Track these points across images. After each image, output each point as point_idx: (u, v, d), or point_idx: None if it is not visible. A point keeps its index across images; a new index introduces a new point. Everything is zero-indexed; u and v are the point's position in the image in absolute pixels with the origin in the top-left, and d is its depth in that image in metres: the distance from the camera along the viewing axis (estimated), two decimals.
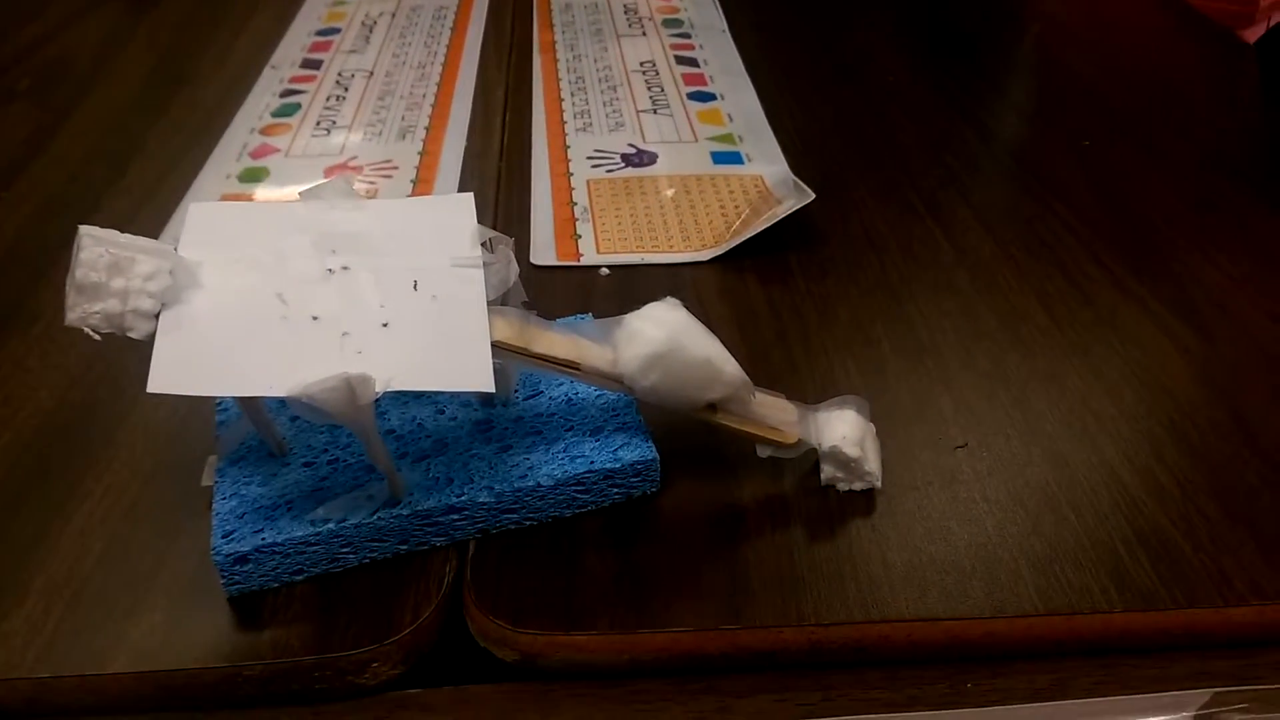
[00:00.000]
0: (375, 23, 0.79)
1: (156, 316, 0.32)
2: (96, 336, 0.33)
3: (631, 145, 0.62)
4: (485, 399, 0.39)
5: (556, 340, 0.36)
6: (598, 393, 0.40)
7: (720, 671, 0.34)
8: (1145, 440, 0.41)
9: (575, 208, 0.56)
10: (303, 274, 0.34)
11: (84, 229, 0.32)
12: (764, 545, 0.37)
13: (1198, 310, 0.48)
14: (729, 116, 0.65)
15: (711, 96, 0.67)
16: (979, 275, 0.51)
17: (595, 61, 0.72)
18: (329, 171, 0.59)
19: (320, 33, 0.77)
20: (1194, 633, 0.35)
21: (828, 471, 0.38)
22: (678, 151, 0.61)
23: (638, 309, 0.37)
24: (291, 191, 0.57)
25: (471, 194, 0.38)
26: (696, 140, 0.62)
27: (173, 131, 0.64)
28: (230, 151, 0.61)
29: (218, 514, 0.35)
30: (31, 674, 0.32)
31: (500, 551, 0.36)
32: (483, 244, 0.36)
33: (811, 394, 0.42)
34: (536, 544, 0.37)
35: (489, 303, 0.35)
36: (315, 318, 0.33)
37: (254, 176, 0.59)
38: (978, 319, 0.48)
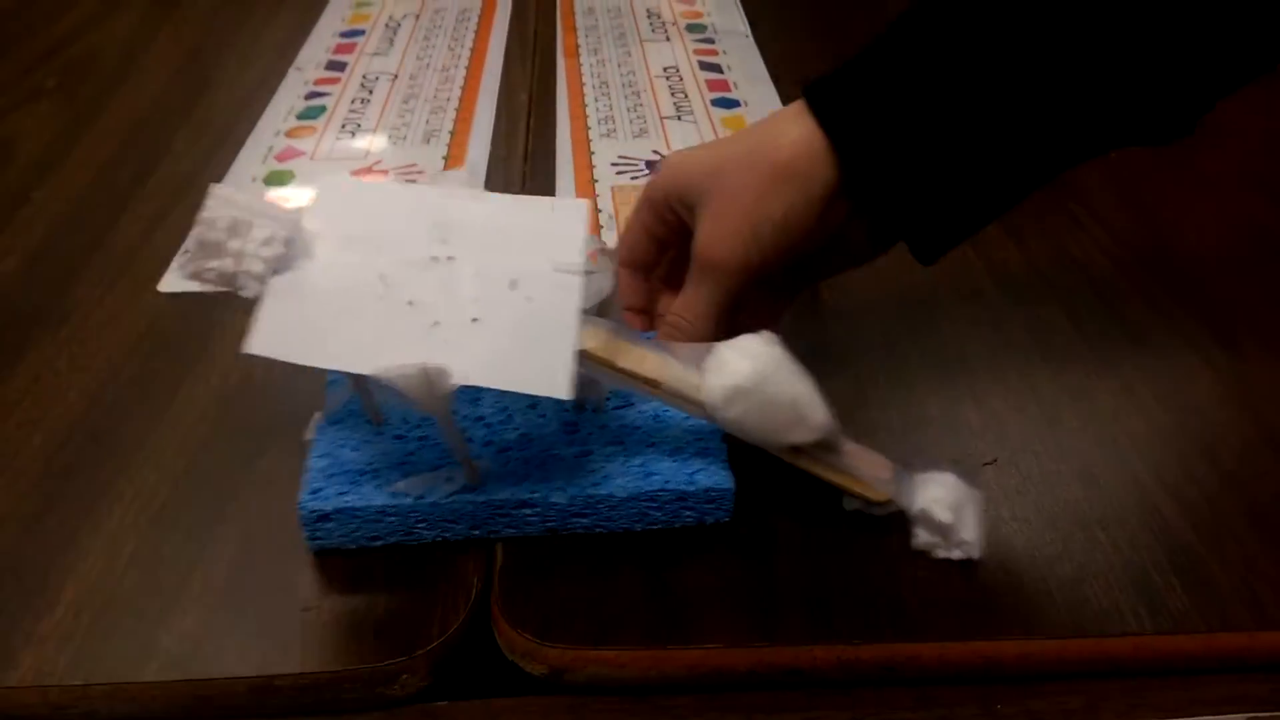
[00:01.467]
0: (399, 25, 0.79)
1: (266, 280, 0.34)
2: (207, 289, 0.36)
3: (656, 152, 0.62)
4: (578, 402, 0.40)
5: (645, 357, 0.36)
6: (684, 414, 0.39)
7: (749, 688, 0.34)
8: (1176, 459, 0.41)
9: (600, 215, 0.56)
10: (408, 258, 0.35)
11: (215, 187, 0.34)
12: (794, 563, 0.36)
13: (1229, 328, 0.48)
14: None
15: (735, 103, 0.67)
16: (1008, 288, 0.51)
17: (619, 66, 0.72)
18: (354, 175, 0.59)
19: (344, 34, 0.77)
20: (1226, 656, 0.35)
21: (921, 537, 0.36)
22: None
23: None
24: None
25: (586, 202, 0.39)
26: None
27: (199, 133, 0.65)
28: (256, 154, 0.62)
29: (309, 470, 0.37)
30: (63, 681, 0.32)
31: (529, 565, 0.36)
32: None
33: (839, 405, 0.42)
34: (565, 558, 0.37)
35: (584, 311, 0.36)
36: (410, 303, 0.34)
37: (279, 180, 0.59)
38: (1007, 332, 0.47)
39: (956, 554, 0.36)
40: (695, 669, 0.33)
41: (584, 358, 0.35)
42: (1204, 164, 0.61)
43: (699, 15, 0.81)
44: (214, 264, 0.34)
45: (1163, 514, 0.38)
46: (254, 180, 0.59)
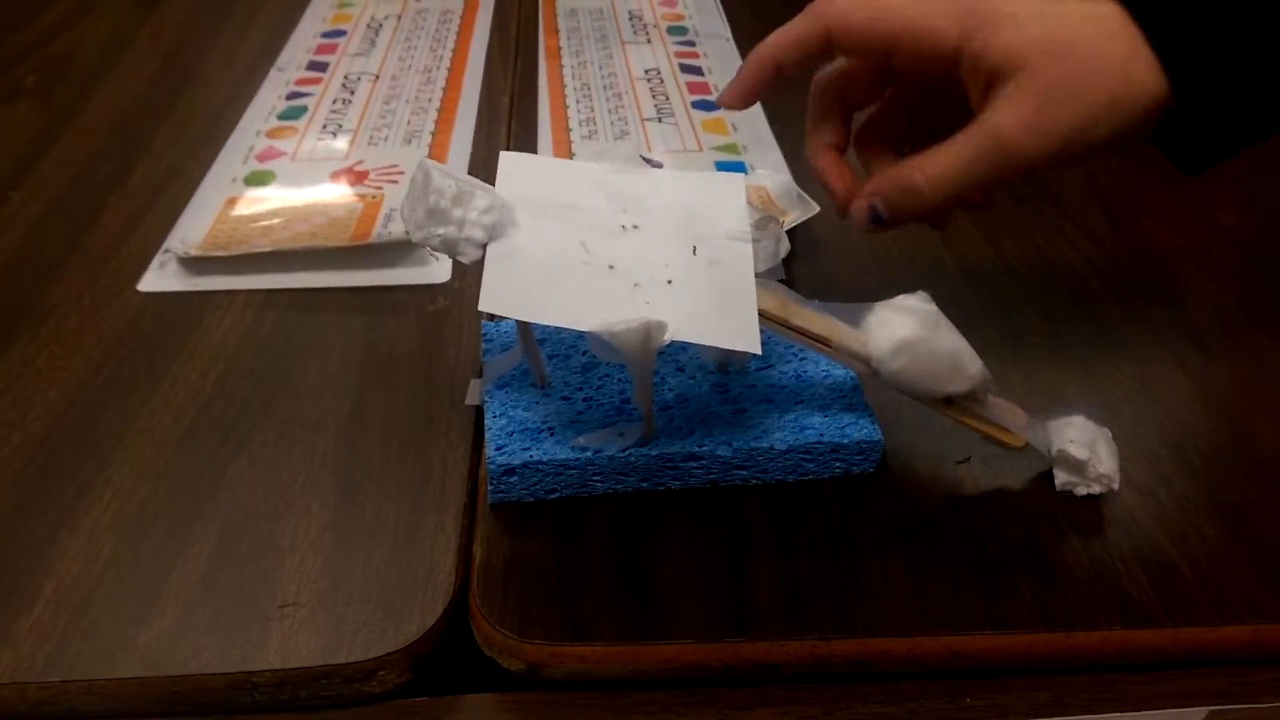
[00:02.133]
0: (381, 26, 0.79)
1: (484, 246, 0.36)
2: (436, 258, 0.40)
3: (639, 148, 0.62)
4: (722, 364, 0.42)
5: (813, 317, 0.38)
6: (825, 373, 0.42)
7: (724, 683, 0.34)
8: (1145, 458, 0.42)
9: None
10: (601, 226, 0.38)
11: (427, 161, 0.36)
12: (767, 557, 0.37)
13: (1200, 329, 0.49)
14: (733, 126, 0.65)
15: (716, 106, 0.67)
16: (983, 289, 0.51)
17: (600, 68, 0.73)
18: (335, 176, 0.59)
19: (326, 35, 0.77)
20: (1190, 651, 0.35)
21: (1061, 476, 0.39)
22: (683, 161, 0.61)
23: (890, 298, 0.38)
24: (297, 195, 0.57)
25: (743, 175, 0.41)
26: (701, 150, 0.62)
27: (179, 132, 0.65)
28: (237, 154, 0.62)
29: (490, 429, 0.39)
30: (41, 678, 0.33)
31: (506, 561, 0.37)
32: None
33: None
34: (542, 554, 0.37)
35: (756, 275, 0.38)
36: (611, 267, 0.37)
37: (260, 180, 0.59)
38: (981, 333, 0.48)
39: (1096, 489, 0.39)
40: (670, 664, 0.34)
41: (761, 317, 0.37)
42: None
43: (680, 18, 0.81)
44: (440, 230, 0.36)
45: (1131, 512, 0.39)
46: (235, 180, 0.59)
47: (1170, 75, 0.35)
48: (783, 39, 0.39)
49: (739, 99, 0.40)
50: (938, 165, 0.37)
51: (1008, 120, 0.36)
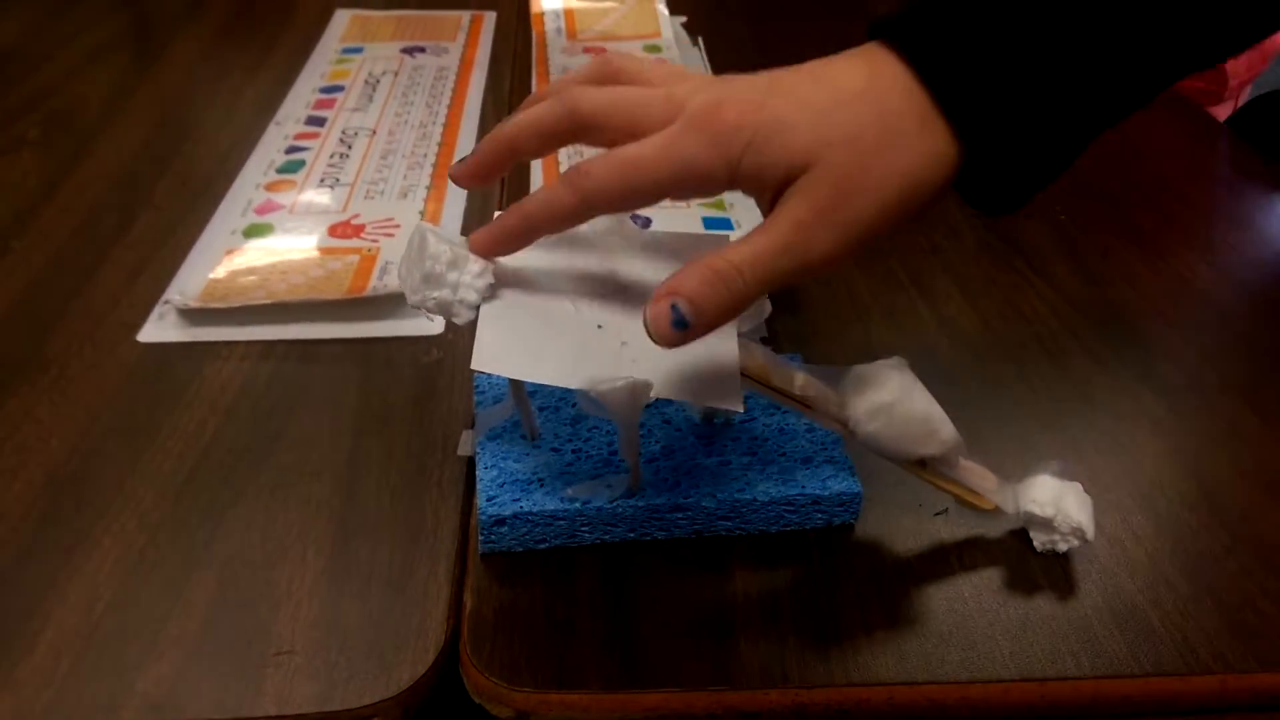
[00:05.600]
0: (379, 81, 0.81)
1: (476, 308, 0.38)
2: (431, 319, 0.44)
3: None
4: (707, 416, 0.44)
5: (793, 377, 0.39)
6: (807, 426, 0.44)
7: None
8: (1115, 510, 0.43)
9: None
10: (590, 287, 0.39)
11: (423, 225, 0.38)
12: (750, 607, 0.38)
13: (1169, 384, 0.50)
14: None
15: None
16: (958, 343, 0.53)
17: None
18: (332, 229, 0.61)
19: (324, 90, 0.79)
20: (1161, 700, 0.36)
21: (1038, 537, 0.41)
22: (670, 217, 0.63)
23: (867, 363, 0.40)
24: (294, 247, 0.59)
25: (729, 232, 0.42)
26: (688, 206, 0.64)
27: (179, 185, 0.66)
28: (236, 207, 0.63)
29: (482, 480, 0.41)
30: None
31: (496, 610, 0.38)
32: None
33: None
34: (532, 603, 0.38)
35: (738, 335, 0.39)
36: (600, 326, 0.38)
37: (258, 232, 0.60)
38: (956, 385, 0.50)
39: (1074, 542, 0.40)
40: (656, 712, 0.35)
41: (744, 376, 0.38)
42: (1144, 222, 0.64)
43: None
44: (435, 294, 0.37)
45: (1102, 562, 0.40)
46: (233, 233, 0.60)
47: (963, 137, 0.35)
48: (530, 128, 0.37)
49: (472, 178, 0.38)
50: (745, 252, 0.34)
51: (804, 214, 0.34)
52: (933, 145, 0.35)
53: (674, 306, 0.33)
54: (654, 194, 0.36)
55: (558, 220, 0.36)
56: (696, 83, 0.37)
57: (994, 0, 0.35)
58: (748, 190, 0.36)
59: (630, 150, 0.35)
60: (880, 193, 0.35)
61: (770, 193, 0.35)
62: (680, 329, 0.34)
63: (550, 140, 0.37)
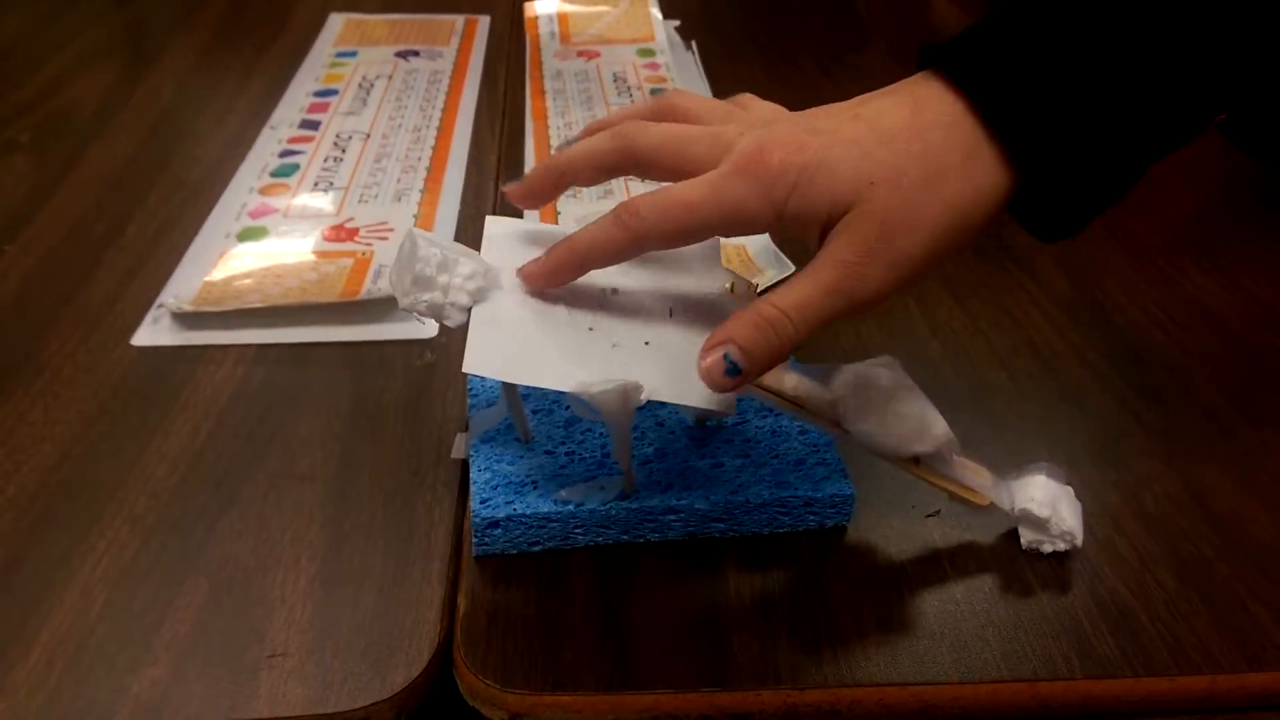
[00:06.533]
0: (372, 85, 0.81)
1: (468, 311, 0.37)
2: (423, 322, 0.43)
3: None
4: (700, 419, 0.44)
5: (785, 378, 0.40)
6: (799, 428, 0.44)
7: None
8: (1105, 511, 0.43)
9: None
10: (582, 290, 0.39)
11: (414, 230, 0.38)
12: (743, 608, 0.38)
13: (1158, 386, 0.51)
14: None
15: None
16: (950, 347, 0.53)
17: None
18: (326, 233, 0.61)
19: (318, 94, 0.79)
20: (1151, 700, 0.37)
21: (1027, 535, 0.41)
22: None
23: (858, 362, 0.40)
24: (288, 251, 0.59)
25: (720, 239, 0.42)
26: None
27: (173, 189, 0.66)
28: (230, 211, 0.63)
29: (475, 483, 0.41)
30: None
31: (490, 613, 0.38)
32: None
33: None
34: (525, 606, 0.38)
35: None
36: (591, 329, 0.38)
37: (252, 236, 0.60)
38: (947, 389, 0.50)
39: (1061, 545, 0.40)
40: (649, 713, 0.35)
41: None
42: (1137, 228, 0.65)
43: (663, 80, 0.84)
44: (426, 297, 0.37)
45: (1092, 564, 0.41)
46: (227, 236, 0.60)
47: (1018, 163, 0.35)
48: (583, 159, 0.38)
49: (524, 199, 0.39)
50: (792, 297, 0.35)
51: (849, 255, 0.35)
52: (981, 176, 0.35)
53: (726, 355, 0.35)
54: (702, 235, 0.37)
55: (608, 256, 0.38)
56: (744, 123, 0.38)
57: (1048, 25, 0.35)
58: (794, 231, 0.36)
59: (680, 192, 0.36)
60: (928, 228, 0.35)
61: (816, 233, 0.36)
62: (733, 375, 0.35)
63: (602, 171, 0.38)
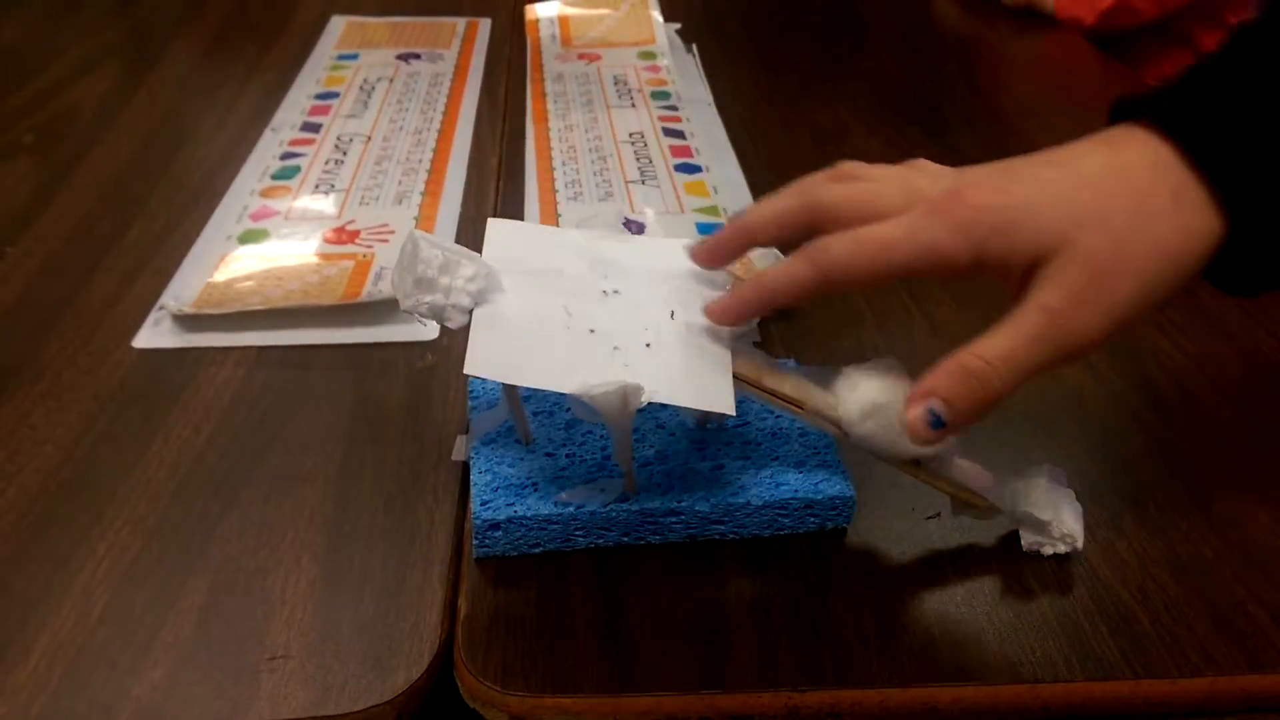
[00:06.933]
0: (373, 88, 0.81)
1: (469, 312, 0.38)
2: (424, 324, 0.43)
3: (621, 215, 0.64)
4: (701, 421, 0.44)
5: (785, 379, 0.40)
6: (799, 430, 0.44)
7: None
8: (1106, 514, 0.43)
9: None
10: (583, 292, 0.40)
11: (415, 232, 0.38)
12: (743, 610, 0.38)
13: (1159, 389, 0.51)
14: (714, 189, 0.67)
15: (697, 169, 0.70)
16: (950, 348, 0.53)
17: (586, 132, 0.75)
18: (327, 235, 0.61)
19: (319, 96, 0.80)
20: (1151, 702, 0.37)
21: (1028, 537, 0.41)
22: (665, 222, 0.63)
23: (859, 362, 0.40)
24: (289, 253, 0.59)
25: None
26: (683, 211, 0.65)
27: (174, 191, 0.66)
28: (231, 213, 0.63)
29: (476, 485, 0.41)
30: None
31: (490, 615, 0.38)
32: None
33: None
34: (526, 608, 0.38)
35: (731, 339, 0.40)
36: (592, 330, 0.39)
37: (253, 238, 0.61)
38: None
39: (1061, 548, 0.40)
40: (649, 715, 0.35)
41: (735, 380, 0.39)
42: None
43: (664, 83, 0.84)
44: (428, 298, 0.37)
45: (1093, 566, 0.41)
46: (229, 239, 0.60)
47: (1229, 207, 0.34)
48: (770, 218, 0.39)
49: (709, 259, 0.40)
50: (998, 347, 0.34)
51: (1057, 301, 0.34)
52: (1190, 220, 0.34)
53: (929, 409, 0.34)
54: (894, 275, 0.35)
55: (796, 295, 0.37)
56: (934, 173, 0.38)
57: (1258, 76, 0.35)
58: (993, 276, 0.35)
59: (874, 231, 0.35)
60: (1140, 272, 0.34)
61: (1017, 278, 0.35)
62: (937, 428, 0.35)
63: (786, 230, 0.39)
